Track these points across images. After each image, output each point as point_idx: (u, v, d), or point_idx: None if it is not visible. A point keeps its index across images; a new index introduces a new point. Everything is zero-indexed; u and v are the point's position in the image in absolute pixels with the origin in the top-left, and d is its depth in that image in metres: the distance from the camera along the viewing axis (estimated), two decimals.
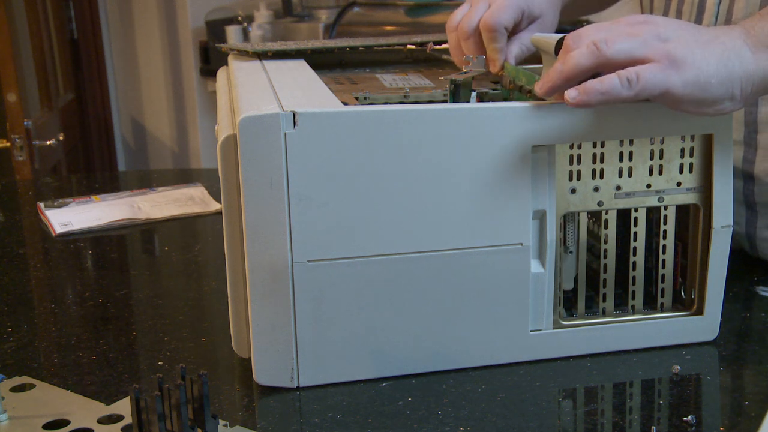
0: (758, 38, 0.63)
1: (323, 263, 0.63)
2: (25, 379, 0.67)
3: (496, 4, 0.80)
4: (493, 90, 0.79)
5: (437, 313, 0.66)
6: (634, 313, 0.71)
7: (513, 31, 0.82)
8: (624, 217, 0.70)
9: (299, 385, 0.66)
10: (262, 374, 0.65)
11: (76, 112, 2.79)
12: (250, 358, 0.66)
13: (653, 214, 0.70)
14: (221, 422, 0.59)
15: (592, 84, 0.61)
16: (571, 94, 0.61)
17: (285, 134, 0.60)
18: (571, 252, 0.69)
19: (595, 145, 0.66)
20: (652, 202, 0.69)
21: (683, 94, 0.61)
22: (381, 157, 0.62)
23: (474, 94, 0.74)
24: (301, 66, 0.81)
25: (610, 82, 0.60)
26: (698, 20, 0.85)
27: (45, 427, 0.60)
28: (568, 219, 0.69)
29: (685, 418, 0.61)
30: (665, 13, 0.91)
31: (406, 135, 0.62)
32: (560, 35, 0.70)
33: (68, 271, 0.95)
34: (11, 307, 0.84)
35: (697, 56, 0.61)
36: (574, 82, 0.62)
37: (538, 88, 0.63)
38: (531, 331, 0.69)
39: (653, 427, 0.60)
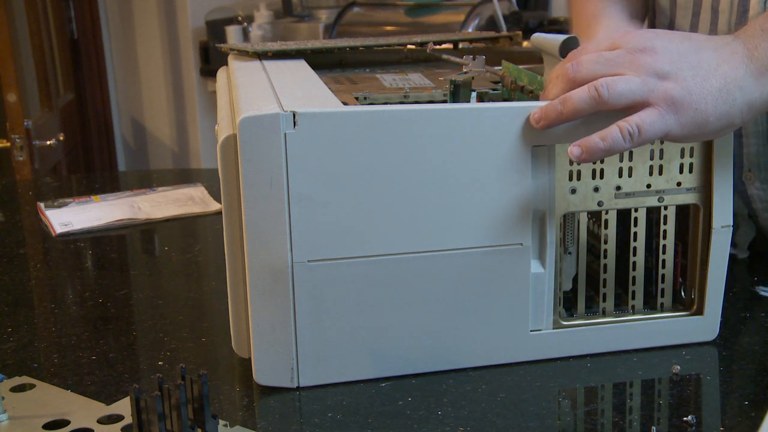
0: (761, 62, 0.63)
1: (323, 263, 0.63)
2: (25, 379, 0.67)
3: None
4: (493, 90, 0.79)
5: (437, 313, 0.66)
6: (634, 313, 0.71)
7: None
8: (624, 217, 0.70)
9: (299, 385, 0.66)
10: (262, 374, 0.65)
11: (76, 112, 2.79)
12: (250, 358, 0.66)
13: (653, 214, 0.71)
14: (221, 422, 0.59)
15: (595, 142, 0.61)
16: (574, 152, 0.61)
17: (285, 134, 0.60)
18: (570, 252, 0.69)
19: None
20: (652, 202, 0.69)
21: (682, 135, 0.62)
22: (381, 157, 0.62)
23: (474, 94, 0.74)
24: (301, 66, 0.81)
25: (612, 138, 0.61)
26: (743, 12, 0.84)
27: (45, 427, 0.59)
28: (567, 219, 0.69)
29: (685, 418, 0.61)
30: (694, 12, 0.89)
31: (406, 135, 0.62)
32: (564, 36, 0.70)
33: (68, 271, 0.95)
34: (11, 307, 0.84)
35: (695, 96, 0.61)
36: (572, 122, 0.63)
37: (534, 120, 0.63)
38: (531, 331, 0.69)
39: (653, 427, 0.60)
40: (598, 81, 0.62)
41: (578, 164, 0.66)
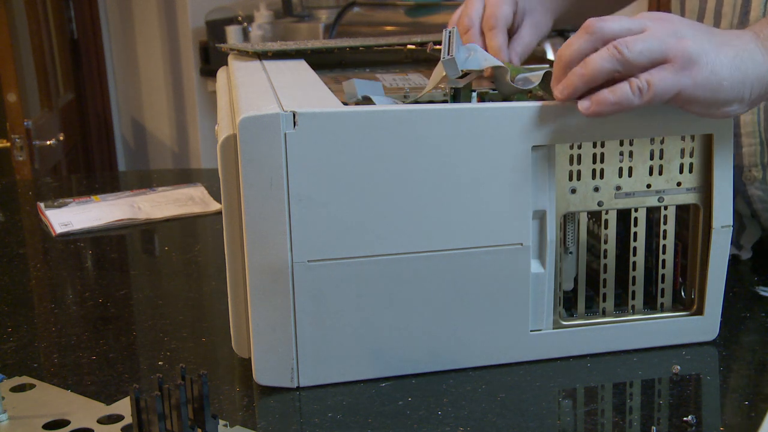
0: None
1: (323, 263, 0.63)
2: (25, 379, 0.67)
3: (491, 2, 0.80)
4: (493, 90, 0.79)
5: (437, 313, 0.66)
6: (634, 313, 0.71)
7: (510, 30, 0.82)
8: (624, 217, 0.70)
9: (299, 385, 0.66)
10: (262, 374, 0.65)
11: (76, 112, 2.79)
12: (250, 358, 0.66)
13: (653, 214, 0.70)
14: (221, 422, 0.59)
15: (604, 95, 0.61)
16: (584, 104, 0.62)
17: (285, 134, 0.60)
18: (570, 253, 0.69)
19: (595, 145, 0.66)
20: (652, 202, 0.69)
21: (694, 96, 0.62)
22: (381, 157, 0.62)
23: (474, 94, 0.74)
24: (301, 66, 0.81)
25: (622, 92, 0.61)
26: (744, 14, 0.85)
27: (45, 427, 0.59)
28: (568, 219, 0.68)
29: (685, 418, 0.61)
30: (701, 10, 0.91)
31: (406, 135, 0.62)
32: (545, 67, 0.70)
33: (68, 271, 0.95)
34: (11, 307, 0.84)
35: (711, 57, 0.62)
36: (595, 84, 0.62)
37: (558, 91, 0.63)
38: (531, 331, 0.69)
39: (653, 427, 0.60)
40: (618, 41, 0.62)
41: (578, 163, 0.66)
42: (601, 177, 0.67)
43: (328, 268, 0.63)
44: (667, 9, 0.98)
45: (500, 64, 0.71)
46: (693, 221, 0.70)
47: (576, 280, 0.70)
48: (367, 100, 0.69)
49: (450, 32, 0.71)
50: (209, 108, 2.79)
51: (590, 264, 0.72)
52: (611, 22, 0.63)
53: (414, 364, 0.67)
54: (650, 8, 2.23)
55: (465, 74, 0.70)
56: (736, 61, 0.62)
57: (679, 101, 0.63)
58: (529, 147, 0.64)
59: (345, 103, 0.65)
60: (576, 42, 0.64)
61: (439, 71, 0.71)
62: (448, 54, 0.69)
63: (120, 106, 3.07)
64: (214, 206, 1.15)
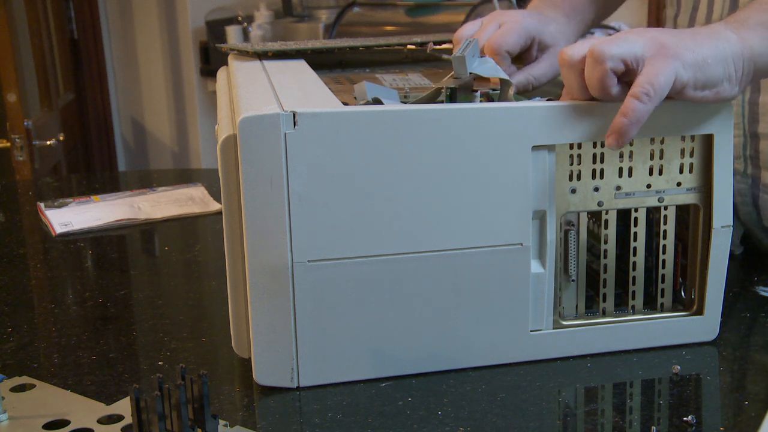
0: (737, 22, 0.67)
1: (323, 263, 0.63)
2: (25, 379, 0.67)
3: (504, 28, 0.80)
4: (494, 90, 0.79)
5: (437, 313, 0.66)
6: (634, 313, 0.71)
7: (524, 59, 0.82)
8: (624, 217, 0.70)
9: (299, 385, 0.66)
10: (262, 374, 0.65)
11: (76, 112, 2.79)
12: (250, 358, 0.66)
13: (653, 214, 0.70)
14: (221, 422, 0.59)
15: (620, 122, 0.62)
16: (611, 143, 0.63)
17: (285, 134, 0.60)
18: (573, 281, 0.69)
19: (595, 145, 0.66)
20: (652, 202, 0.69)
21: (687, 78, 0.63)
22: (381, 157, 0.62)
23: (477, 94, 0.74)
24: (301, 66, 0.81)
25: (632, 109, 0.61)
26: (733, 9, 0.86)
27: (45, 427, 0.59)
28: (570, 243, 0.68)
29: (685, 418, 0.61)
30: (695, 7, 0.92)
31: (406, 135, 0.62)
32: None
33: (68, 271, 0.95)
34: (11, 307, 0.84)
35: (689, 42, 0.64)
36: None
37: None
38: (531, 331, 0.69)
39: (653, 427, 0.60)
40: (592, 47, 0.63)
41: (578, 163, 0.66)
42: (601, 177, 0.67)
43: (328, 268, 0.63)
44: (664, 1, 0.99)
45: (507, 77, 0.71)
46: (693, 221, 0.70)
47: (576, 279, 0.70)
48: (376, 103, 0.69)
49: (470, 41, 0.72)
50: (209, 108, 2.79)
51: (590, 264, 0.72)
52: (578, 45, 0.65)
53: (414, 364, 0.67)
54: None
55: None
56: (712, 41, 0.64)
57: (676, 88, 0.63)
58: (529, 147, 0.64)
59: (345, 103, 0.65)
60: (570, 82, 0.66)
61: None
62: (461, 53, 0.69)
63: (120, 106, 3.07)
64: (214, 206, 1.15)
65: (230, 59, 0.88)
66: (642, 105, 0.61)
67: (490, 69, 0.72)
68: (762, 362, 0.69)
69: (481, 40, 0.80)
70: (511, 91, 0.71)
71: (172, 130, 2.94)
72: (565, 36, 0.86)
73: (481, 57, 0.74)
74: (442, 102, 0.76)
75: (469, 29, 0.83)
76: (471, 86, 0.72)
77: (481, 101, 0.73)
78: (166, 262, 0.98)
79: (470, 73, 0.70)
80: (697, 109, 0.66)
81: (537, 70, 0.82)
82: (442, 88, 0.72)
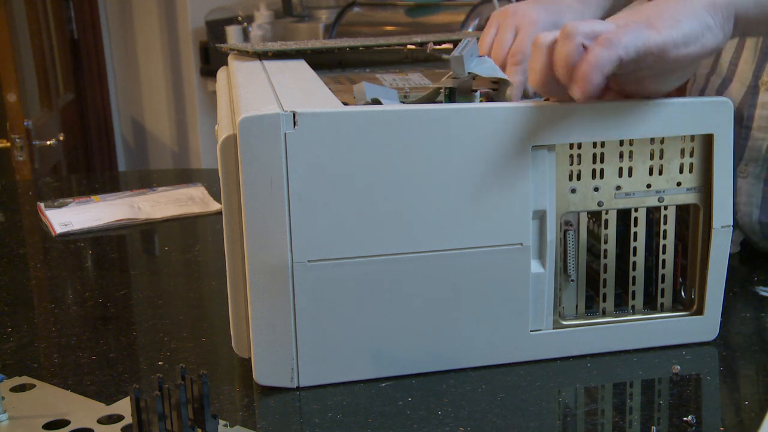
0: None
1: (323, 263, 0.63)
2: (25, 379, 0.67)
3: (522, 34, 0.78)
4: (494, 90, 0.79)
5: (437, 313, 0.66)
6: (634, 313, 0.71)
7: None
8: (624, 217, 0.70)
9: (299, 385, 0.66)
10: (262, 374, 0.65)
11: (76, 112, 2.79)
12: (250, 358, 0.66)
13: (653, 214, 0.70)
14: (221, 422, 0.59)
15: (583, 69, 0.59)
16: (574, 93, 0.61)
17: (285, 134, 0.60)
18: (573, 281, 0.69)
19: (595, 145, 0.66)
20: (652, 202, 0.69)
21: (662, 40, 0.60)
22: (381, 157, 0.62)
23: (477, 94, 0.74)
24: (301, 66, 0.81)
25: (595, 54, 0.59)
26: None
27: (45, 427, 0.59)
28: (570, 243, 0.68)
29: (685, 418, 0.61)
30: None
31: (406, 135, 0.62)
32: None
33: (68, 271, 0.95)
34: (11, 307, 0.84)
35: (654, 11, 0.61)
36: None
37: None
38: (531, 331, 0.69)
39: (653, 427, 0.60)
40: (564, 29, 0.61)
41: (578, 163, 0.66)
42: (601, 177, 0.67)
43: (328, 268, 0.63)
44: None
45: (506, 77, 0.71)
46: (693, 221, 0.70)
47: (576, 279, 0.70)
48: (376, 103, 0.69)
49: (469, 41, 0.71)
50: (209, 108, 2.79)
51: (590, 264, 0.72)
52: (546, 34, 0.63)
53: (414, 364, 0.67)
54: None
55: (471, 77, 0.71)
56: (677, 2, 0.62)
57: (653, 53, 0.60)
58: (529, 147, 0.64)
59: (345, 103, 0.65)
60: (535, 60, 0.63)
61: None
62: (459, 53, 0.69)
63: (120, 106, 3.07)
64: (214, 206, 1.15)
65: (230, 59, 0.88)
66: (605, 50, 0.59)
67: (489, 68, 0.72)
68: (762, 362, 0.69)
69: (500, 50, 0.79)
70: (509, 92, 0.71)
71: (172, 130, 2.94)
72: None
73: (480, 57, 0.74)
74: (441, 102, 0.76)
75: (488, 39, 0.81)
76: (470, 86, 0.72)
77: (480, 101, 0.73)
78: (166, 262, 0.98)
79: (469, 73, 0.70)
80: (697, 109, 0.66)
81: None
82: (441, 88, 0.72)
